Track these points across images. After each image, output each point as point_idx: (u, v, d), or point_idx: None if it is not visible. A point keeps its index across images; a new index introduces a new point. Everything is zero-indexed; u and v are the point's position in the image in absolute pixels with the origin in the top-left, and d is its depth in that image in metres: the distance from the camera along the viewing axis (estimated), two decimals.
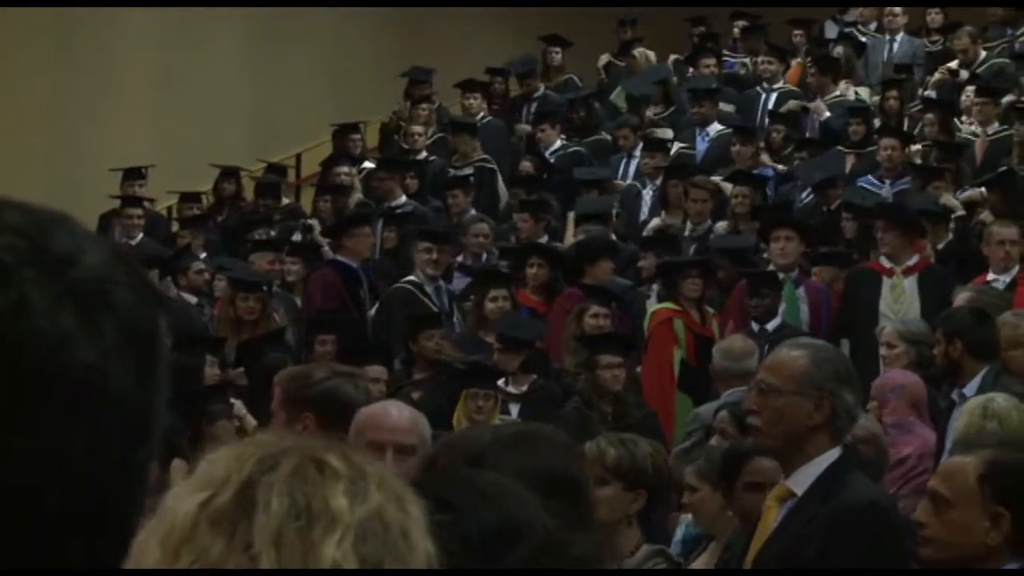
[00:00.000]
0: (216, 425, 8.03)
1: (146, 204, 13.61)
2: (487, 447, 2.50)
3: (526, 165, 13.90)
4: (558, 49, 16.38)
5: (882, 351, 8.01)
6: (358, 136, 15.16)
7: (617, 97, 15.79)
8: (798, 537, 4.12)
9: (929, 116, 13.23)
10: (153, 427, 1.24)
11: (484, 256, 11.96)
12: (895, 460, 6.59)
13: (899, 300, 9.69)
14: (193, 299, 11.19)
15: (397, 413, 4.11)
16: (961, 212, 11.21)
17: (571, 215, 12.37)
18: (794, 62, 15.74)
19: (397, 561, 1.38)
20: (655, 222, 12.38)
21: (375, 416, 4.01)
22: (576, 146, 14.45)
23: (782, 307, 9.81)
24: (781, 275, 10.05)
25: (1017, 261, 9.46)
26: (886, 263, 9.94)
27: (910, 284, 9.77)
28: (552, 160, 14.16)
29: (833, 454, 4.19)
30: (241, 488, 1.37)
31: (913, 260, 9.91)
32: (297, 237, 12.80)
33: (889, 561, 4.02)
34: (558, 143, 14.46)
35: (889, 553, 4.06)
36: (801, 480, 4.18)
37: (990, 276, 9.43)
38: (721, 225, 11.93)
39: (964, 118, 13.42)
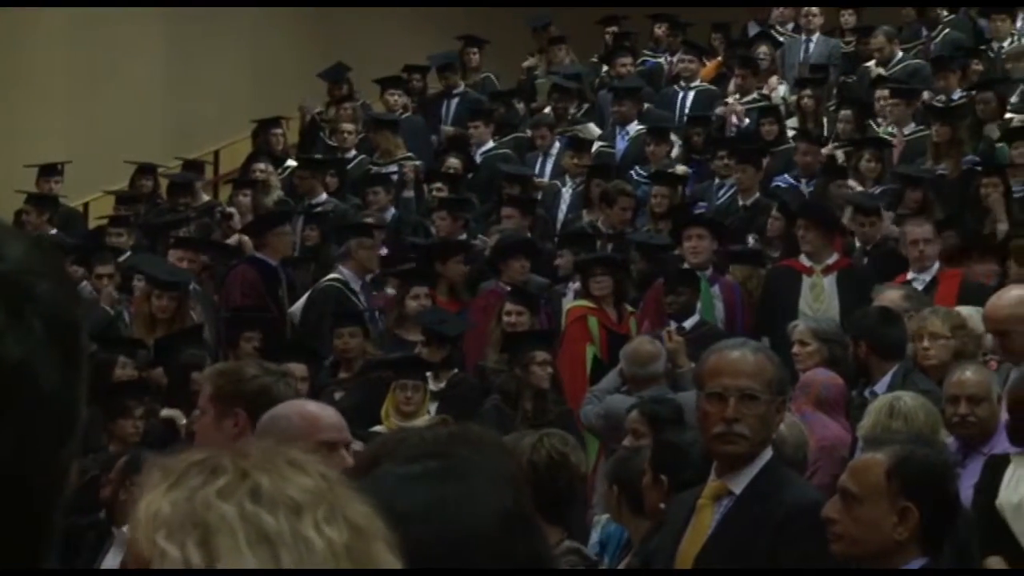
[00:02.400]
0: (117, 423, 8.02)
1: (60, 200, 13.51)
2: (427, 449, 2.51)
3: (454, 162, 13.90)
4: (475, 49, 16.41)
5: (794, 349, 8.00)
6: (280, 131, 15.11)
7: (542, 86, 15.88)
8: (742, 537, 4.13)
9: (844, 113, 13.36)
10: (77, 423, 1.22)
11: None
12: None
13: (819, 299, 9.76)
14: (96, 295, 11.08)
15: (328, 410, 4.15)
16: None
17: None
18: (709, 62, 15.87)
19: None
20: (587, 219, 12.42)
21: (313, 416, 4.01)
22: (504, 147, 14.46)
23: (698, 305, 9.87)
24: (698, 273, 10.11)
25: (934, 259, 9.54)
26: (806, 261, 10.00)
27: (829, 283, 9.83)
28: (480, 159, 14.19)
29: (767, 453, 4.23)
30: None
31: (832, 259, 9.97)
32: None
33: (831, 559, 4.04)
34: (491, 143, 14.48)
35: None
36: (738, 478, 4.20)
37: (910, 275, 9.52)
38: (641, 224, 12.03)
39: (879, 119, 13.58)
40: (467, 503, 1.98)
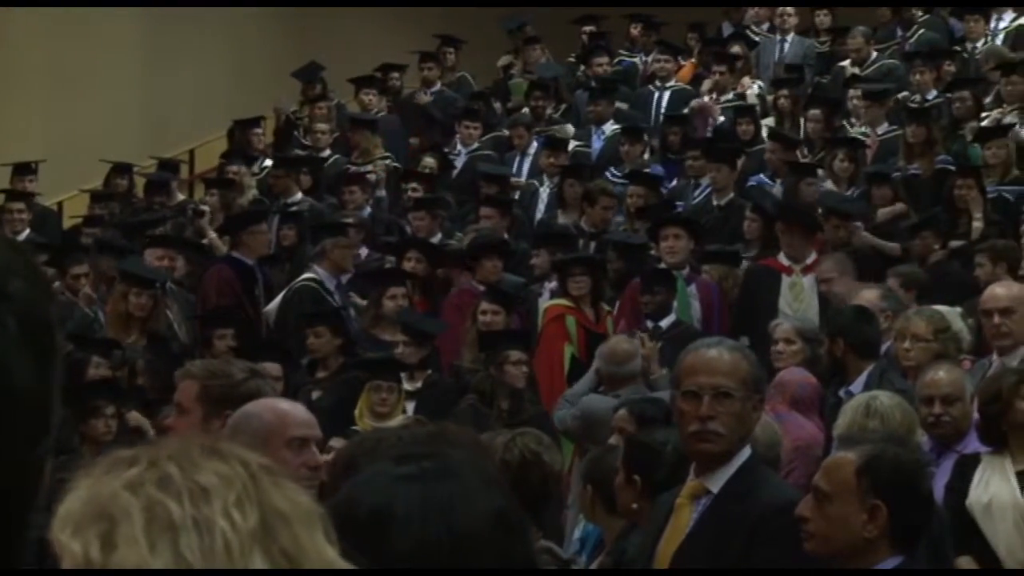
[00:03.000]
0: (88, 423, 8.00)
1: (35, 199, 13.46)
2: (404, 449, 2.52)
3: (429, 162, 13.91)
4: (452, 49, 16.42)
5: (779, 347, 8.03)
6: (260, 131, 15.13)
7: (516, 85, 15.89)
8: (720, 536, 4.13)
9: (814, 113, 13.41)
10: (51, 421, 1.23)
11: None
12: None
13: (798, 298, 9.77)
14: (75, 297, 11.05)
15: (298, 407, 4.18)
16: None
17: None
18: (686, 62, 15.90)
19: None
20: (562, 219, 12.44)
21: (284, 413, 4.03)
22: (483, 146, 14.47)
23: (675, 304, 9.89)
24: (674, 272, 10.13)
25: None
26: (784, 261, 10.02)
27: (809, 282, 9.83)
28: (466, 158, 14.20)
29: (745, 452, 4.24)
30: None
31: (811, 258, 9.98)
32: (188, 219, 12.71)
33: (809, 559, 4.06)
34: (477, 144, 14.49)
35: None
36: (716, 478, 4.21)
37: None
38: (618, 222, 12.05)
39: (853, 120, 13.63)
40: (463, 503, 2.00)
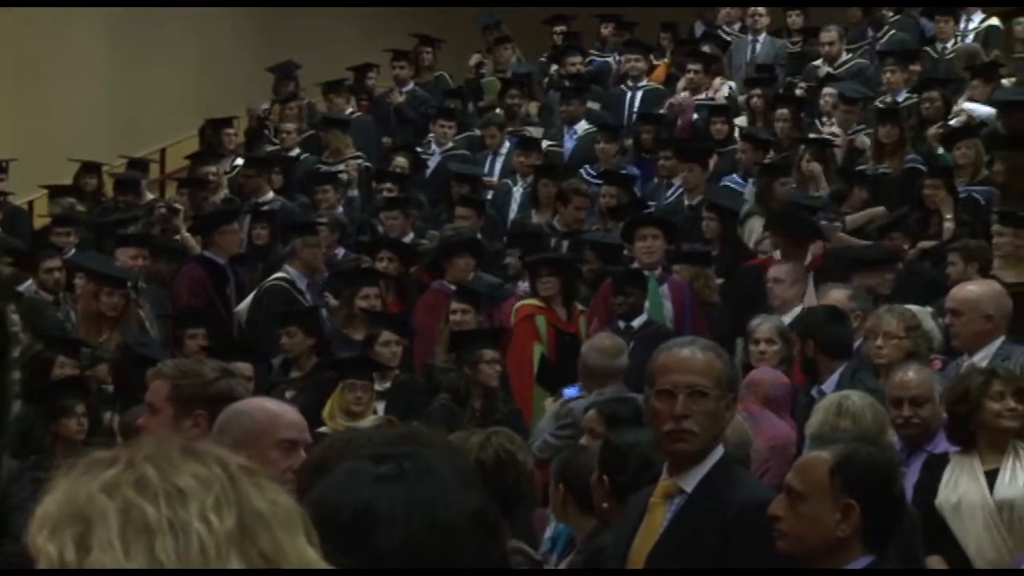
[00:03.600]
0: (59, 423, 7.98)
1: (6, 199, 13.41)
2: (377, 451, 2.51)
3: (401, 161, 13.90)
4: (429, 49, 16.41)
5: (761, 347, 8.05)
6: (232, 131, 15.09)
7: (489, 84, 15.90)
8: (695, 535, 4.13)
9: (782, 112, 13.44)
10: (6, 417, 1.23)
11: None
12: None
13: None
14: (49, 297, 11.01)
15: (290, 410, 4.17)
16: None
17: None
18: (659, 62, 15.93)
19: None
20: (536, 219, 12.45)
21: (276, 415, 4.02)
22: (457, 146, 14.47)
23: (646, 304, 9.89)
24: (646, 273, 10.14)
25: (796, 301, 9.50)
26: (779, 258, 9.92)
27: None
28: (440, 157, 14.19)
29: (719, 451, 4.24)
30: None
31: (807, 259, 9.89)
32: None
33: (784, 558, 4.06)
34: (451, 143, 14.49)
35: None
36: (689, 477, 4.21)
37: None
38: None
39: (824, 119, 13.67)
40: (444, 502, 2.00)
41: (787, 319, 8.61)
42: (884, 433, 5.87)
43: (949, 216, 10.78)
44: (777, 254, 10.11)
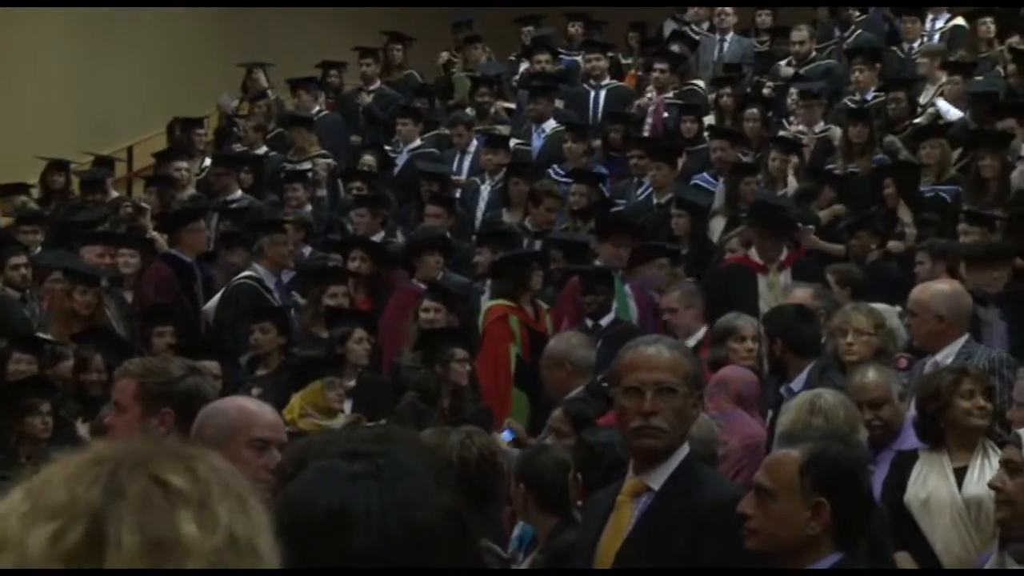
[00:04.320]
0: (24, 421, 7.94)
1: None
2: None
3: (368, 159, 13.88)
4: (399, 46, 16.38)
5: (747, 344, 8.07)
6: (202, 131, 15.08)
7: (459, 80, 15.89)
8: (664, 532, 4.14)
9: (751, 112, 13.47)
10: None
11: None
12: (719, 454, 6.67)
13: (778, 298, 9.63)
14: (16, 294, 10.96)
15: (267, 409, 4.15)
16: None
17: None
18: (627, 61, 15.95)
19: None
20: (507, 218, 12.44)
21: (250, 413, 4.01)
22: (426, 144, 14.45)
23: (614, 303, 9.89)
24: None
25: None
26: (757, 258, 9.94)
27: (785, 278, 9.79)
28: (407, 156, 14.17)
29: (684, 449, 4.25)
30: (91, 523, 1.34)
31: (784, 254, 9.95)
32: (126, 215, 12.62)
33: (754, 556, 4.07)
34: (418, 141, 14.46)
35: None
36: (656, 475, 4.21)
37: None
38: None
39: (791, 118, 13.70)
40: (419, 500, 1.99)
41: (691, 342, 8.50)
42: (856, 431, 5.89)
43: (908, 221, 10.81)
44: (752, 253, 10.09)
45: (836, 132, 12.83)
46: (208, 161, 14.49)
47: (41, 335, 9.83)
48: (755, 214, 10.42)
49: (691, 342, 8.48)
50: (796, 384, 7.13)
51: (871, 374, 6.36)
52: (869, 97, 13.65)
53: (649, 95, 14.59)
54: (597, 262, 10.36)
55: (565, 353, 8.03)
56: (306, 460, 2.53)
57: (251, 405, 4.15)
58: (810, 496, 3.76)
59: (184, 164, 13.86)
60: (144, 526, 1.35)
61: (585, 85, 15.22)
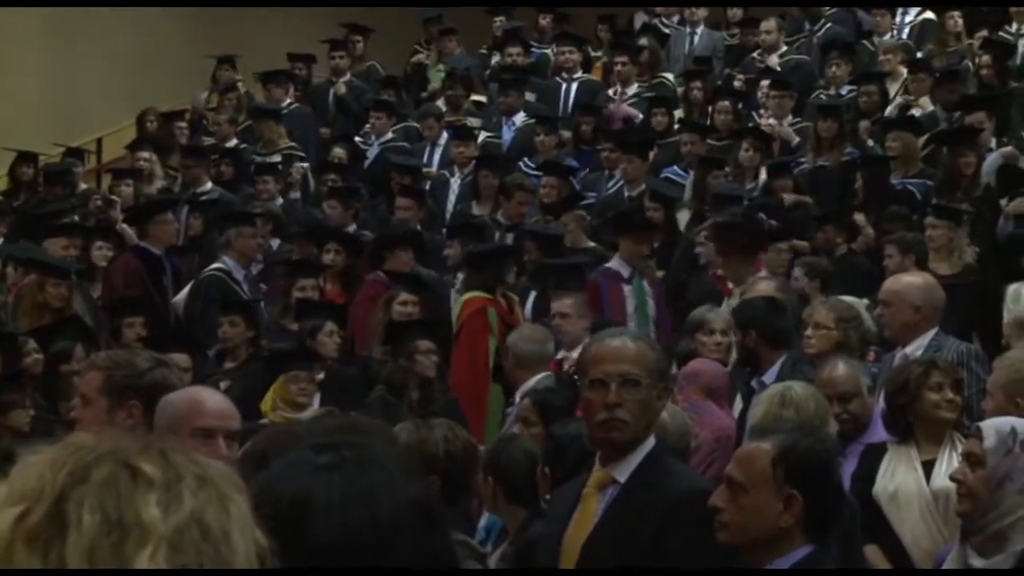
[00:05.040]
0: (9, 415, 7.90)
1: None
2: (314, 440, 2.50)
3: (338, 152, 13.84)
4: (359, 38, 16.34)
5: (716, 337, 8.09)
6: (183, 124, 15.08)
7: (434, 73, 15.87)
8: (629, 524, 4.14)
9: (723, 104, 13.48)
10: None
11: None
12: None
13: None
14: None
15: (217, 398, 4.12)
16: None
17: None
18: (597, 53, 15.94)
19: (217, 564, 1.37)
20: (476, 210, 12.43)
21: (196, 402, 3.98)
22: (399, 139, 14.42)
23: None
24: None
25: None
26: (729, 283, 9.68)
27: None
28: (379, 149, 14.15)
29: (651, 442, 4.25)
30: (53, 504, 1.36)
31: (753, 279, 9.18)
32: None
33: (719, 546, 4.07)
34: (390, 134, 14.43)
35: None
36: (622, 467, 4.22)
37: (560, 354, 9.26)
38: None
39: (762, 111, 13.72)
40: (385, 492, 1.98)
41: (574, 354, 8.20)
42: (827, 424, 5.91)
43: (863, 223, 10.81)
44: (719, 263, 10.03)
45: (790, 132, 12.86)
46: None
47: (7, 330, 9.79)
48: (720, 232, 10.11)
49: (574, 354, 8.26)
50: (768, 377, 7.13)
51: (840, 368, 6.38)
52: (844, 92, 13.67)
53: (612, 89, 14.58)
54: (617, 258, 10.32)
55: (512, 345, 8.19)
56: (267, 451, 2.53)
57: (200, 395, 4.12)
58: (782, 489, 3.77)
59: (146, 154, 13.81)
60: (104, 506, 1.36)
61: (558, 78, 15.21)
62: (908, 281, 7.35)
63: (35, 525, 1.35)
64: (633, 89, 14.55)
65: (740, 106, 13.75)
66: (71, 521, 1.35)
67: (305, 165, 13.91)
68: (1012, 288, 6.93)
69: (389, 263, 10.71)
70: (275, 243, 12.11)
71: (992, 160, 11.20)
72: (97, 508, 1.36)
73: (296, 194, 13.50)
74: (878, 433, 6.15)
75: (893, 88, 13.60)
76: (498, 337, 9.59)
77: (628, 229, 10.45)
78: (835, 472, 4.02)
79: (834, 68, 13.93)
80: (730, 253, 9.72)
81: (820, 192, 11.72)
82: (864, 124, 12.71)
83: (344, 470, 2.00)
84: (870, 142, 12.27)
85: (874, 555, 5.75)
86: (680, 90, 14.52)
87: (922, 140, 11.92)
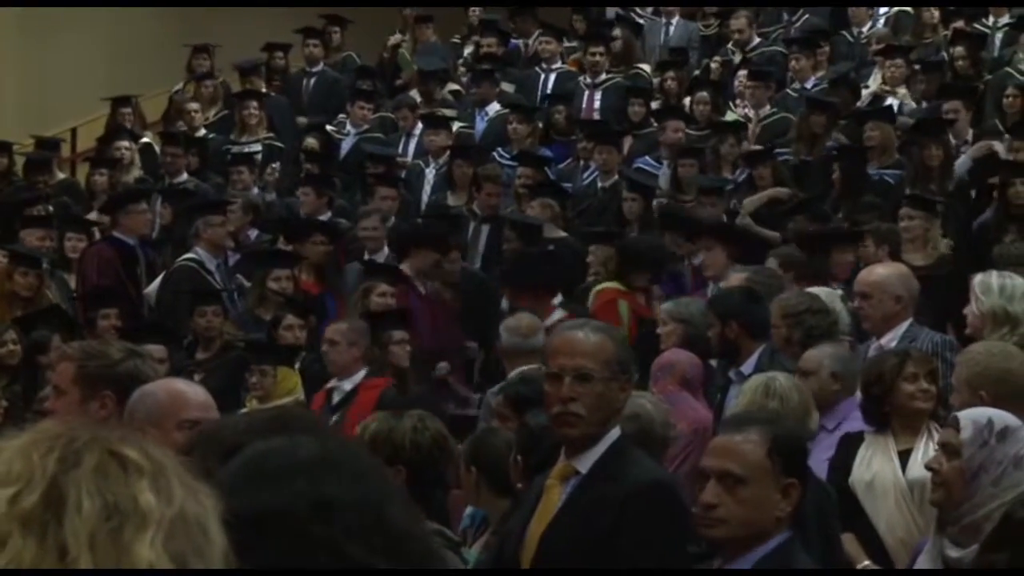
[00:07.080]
0: None
1: None
2: (243, 436, 2.45)
3: (311, 142, 13.79)
4: (337, 28, 16.29)
5: (658, 329, 8.10)
6: (128, 110, 14.94)
7: (403, 59, 15.83)
8: (587, 515, 4.13)
9: (700, 95, 13.47)
10: None
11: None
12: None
13: None
14: None
15: (196, 389, 4.11)
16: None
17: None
18: (572, 44, 15.93)
19: (199, 555, 1.38)
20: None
21: (179, 394, 3.98)
22: (375, 129, 14.38)
23: None
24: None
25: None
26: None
27: None
28: (356, 139, 14.11)
29: (615, 433, 4.23)
30: (48, 487, 1.35)
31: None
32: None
33: (674, 539, 4.06)
34: (366, 125, 14.38)
35: (675, 530, 4.07)
36: (584, 459, 4.20)
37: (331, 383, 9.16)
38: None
39: (737, 101, 13.72)
40: (274, 489, 1.95)
41: (348, 385, 8.29)
42: (810, 415, 5.93)
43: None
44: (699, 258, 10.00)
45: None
46: (145, 139, 14.39)
47: None
48: (715, 228, 10.04)
49: (347, 385, 8.31)
50: (747, 367, 7.14)
51: (816, 348, 6.44)
52: (809, 85, 13.66)
53: (582, 78, 14.56)
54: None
55: (500, 335, 8.18)
56: (192, 447, 2.51)
57: (181, 386, 4.12)
58: (780, 479, 3.75)
59: (125, 143, 13.76)
60: (103, 491, 1.36)
61: (536, 68, 15.18)
62: (889, 272, 7.35)
63: (30, 508, 1.34)
64: (602, 77, 14.47)
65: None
66: (70, 505, 1.34)
67: (276, 165, 13.83)
68: (979, 279, 6.89)
69: (415, 259, 10.53)
70: (252, 233, 12.05)
71: (962, 161, 11.25)
72: (96, 493, 1.36)
73: (272, 195, 13.41)
74: (858, 421, 6.16)
75: (875, 78, 13.60)
76: (629, 331, 9.16)
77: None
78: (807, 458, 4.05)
79: (794, 62, 13.91)
80: (717, 245, 9.63)
81: (804, 184, 11.72)
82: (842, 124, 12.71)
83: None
84: (842, 137, 12.25)
85: (850, 543, 5.77)
86: (656, 81, 14.50)
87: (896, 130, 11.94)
